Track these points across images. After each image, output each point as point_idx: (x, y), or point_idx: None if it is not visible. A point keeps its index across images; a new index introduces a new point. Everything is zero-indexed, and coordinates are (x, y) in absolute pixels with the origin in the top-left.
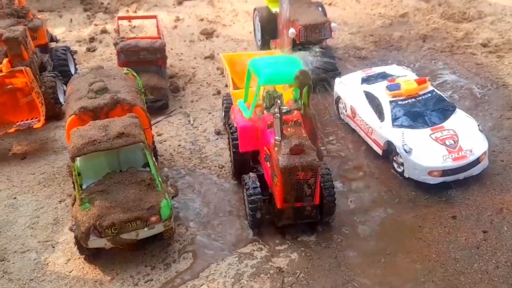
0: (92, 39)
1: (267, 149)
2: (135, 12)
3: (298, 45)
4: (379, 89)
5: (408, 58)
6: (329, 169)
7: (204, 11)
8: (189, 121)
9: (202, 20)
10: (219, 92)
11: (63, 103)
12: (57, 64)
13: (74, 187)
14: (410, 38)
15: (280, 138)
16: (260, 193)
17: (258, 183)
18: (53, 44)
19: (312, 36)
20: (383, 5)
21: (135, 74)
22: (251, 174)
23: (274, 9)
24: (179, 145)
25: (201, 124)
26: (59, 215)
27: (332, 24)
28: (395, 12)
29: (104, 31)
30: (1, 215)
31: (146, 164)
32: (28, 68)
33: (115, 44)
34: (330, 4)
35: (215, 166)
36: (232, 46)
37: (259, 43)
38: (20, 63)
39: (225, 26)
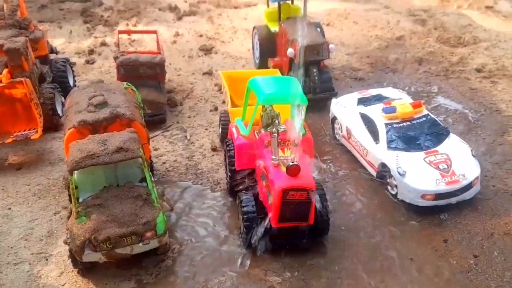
0: (91, 52)
1: (263, 168)
2: (135, 25)
3: (296, 65)
4: (375, 112)
5: (404, 81)
6: (324, 190)
7: (204, 27)
8: (185, 136)
9: (201, 36)
10: (216, 109)
11: (61, 114)
12: (56, 76)
13: (70, 200)
14: (406, 61)
15: (276, 158)
16: (255, 212)
17: (254, 202)
18: (52, 56)
19: (310, 57)
20: (380, 27)
21: (134, 88)
22: (246, 192)
23: (274, 28)
24: (175, 161)
25: (197, 140)
26: (53, 227)
27: (330, 45)
28: (391, 34)
29: (103, 44)
30: None
31: (143, 179)
32: (28, 79)
33: (115, 58)
34: (328, 25)
35: (211, 183)
36: (231, 63)
37: (257, 61)
38: (20, 74)
39: (224, 43)
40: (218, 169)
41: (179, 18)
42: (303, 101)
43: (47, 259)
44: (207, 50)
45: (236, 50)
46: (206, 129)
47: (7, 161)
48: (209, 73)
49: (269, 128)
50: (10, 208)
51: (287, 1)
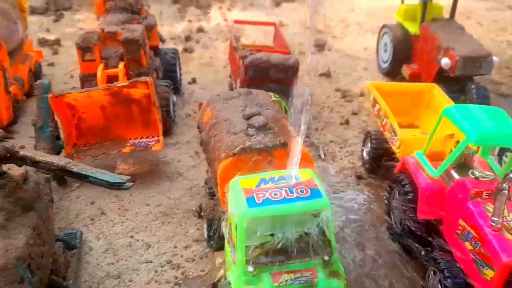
0: (188, 38)
1: (469, 226)
2: (229, 9)
3: (451, 78)
4: None
5: None
6: None
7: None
8: (319, 155)
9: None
10: (347, 122)
11: (172, 116)
12: (166, 70)
13: (209, 236)
14: None
15: (499, 220)
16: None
17: (463, 281)
18: (160, 45)
19: (470, 70)
20: (510, 32)
21: (283, 102)
22: (448, 260)
23: (412, 29)
24: None
25: (334, 162)
26: (187, 267)
27: (494, 58)
28: None
29: (200, 30)
30: (120, 259)
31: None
32: (151, 78)
33: (243, 57)
34: None
35: (368, 226)
36: (349, 64)
37: (384, 66)
38: (137, 69)
39: (336, 38)
40: (370, 203)
41: (277, 4)
42: None
43: None
44: (319, 46)
45: (352, 48)
46: (341, 147)
47: (116, 169)
48: (326, 75)
49: (471, 173)
50: (132, 236)
51: None
